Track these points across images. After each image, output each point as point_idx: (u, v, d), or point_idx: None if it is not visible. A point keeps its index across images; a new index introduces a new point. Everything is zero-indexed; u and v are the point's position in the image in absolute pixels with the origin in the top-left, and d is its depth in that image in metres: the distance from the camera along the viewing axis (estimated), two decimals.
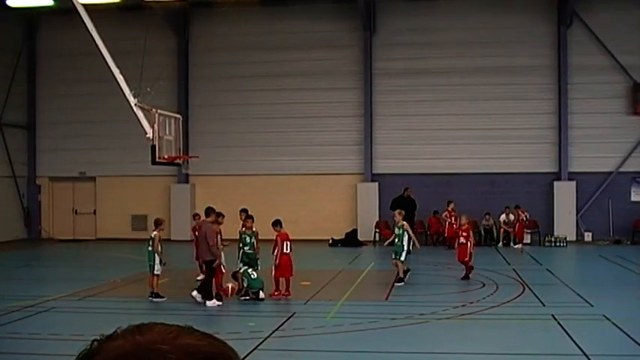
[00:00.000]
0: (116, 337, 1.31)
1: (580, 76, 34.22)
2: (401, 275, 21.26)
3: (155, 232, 19.42)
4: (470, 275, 22.26)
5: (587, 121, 34.13)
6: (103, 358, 1.27)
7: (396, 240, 21.64)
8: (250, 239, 19.65)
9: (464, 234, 22.83)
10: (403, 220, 21.85)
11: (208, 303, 18.39)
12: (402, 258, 21.30)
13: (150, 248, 19.22)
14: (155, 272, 18.98)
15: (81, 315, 17.38)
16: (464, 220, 23.35)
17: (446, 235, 32.28)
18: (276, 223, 19.65)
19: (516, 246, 32.55)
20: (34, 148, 38.61)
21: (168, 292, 19.15)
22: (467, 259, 22.48)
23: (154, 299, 18.76)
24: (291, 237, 19.67)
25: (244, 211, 21.06)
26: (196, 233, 19.82)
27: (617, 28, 34.05)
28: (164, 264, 19.13)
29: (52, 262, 30.82)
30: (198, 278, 20.07)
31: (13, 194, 37.40)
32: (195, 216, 20.51)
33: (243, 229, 19.99)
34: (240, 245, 19.80)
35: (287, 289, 19.30)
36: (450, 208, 32.40)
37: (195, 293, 18.60)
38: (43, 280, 24.68)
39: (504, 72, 34.58)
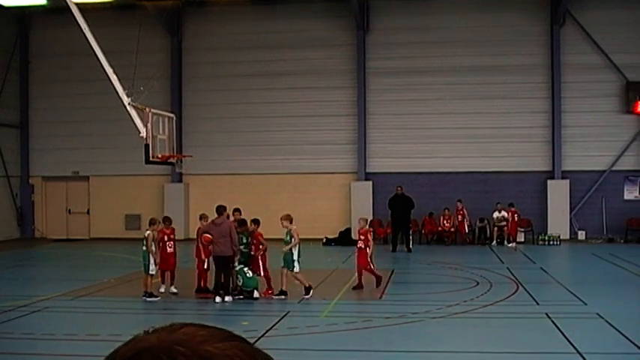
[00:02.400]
0: (153, 332, 1.32)
1: (573, 75, 34.27)
2: (306, 285, 18.91)
3: (148, 232, 19.38)
4: (380, 283, 20.41)
5: (580, 119, 34.18)
6: (127, 348, 1.28)
7: (244, 248, 19.63)
8: (247, 239, 19.59)
9: (362, 237, 20.47)
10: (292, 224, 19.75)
11: (227, 298, 18.58)
12: (296, 269, 18.97)
13: (144, 248, 19.20)
14: (150, 272, 18.95)
15: (75, 315, 17.34)
16: (362, 223, 20.85)
17: (463, 231, 33.61)
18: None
19: (510, 244, 32.61)
20: (27, 148, 38.52)
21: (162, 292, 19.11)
22: (368, 266, 20.37)
23: (148, 299, 18.73)
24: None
25: (237, 210, 21.00)
26: (205, 234, 19.56)
27: (610, 27, 34.09)
28: (157, 263, 19.08)
29: (45, 262, 30.76)
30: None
31: (6, 194, 37.34)
32: (202, 217, 20.34)
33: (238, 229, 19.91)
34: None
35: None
36: (460, 207, 33.34)
37: (218, 299, 18.64)
38: (36, 279, 24.64)
39: (498, 71, 34.61)
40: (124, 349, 1.29)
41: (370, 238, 20.60)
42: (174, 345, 1.27)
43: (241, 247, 19.44)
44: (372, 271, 20.43)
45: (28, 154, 38.58)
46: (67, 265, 28.49)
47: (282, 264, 19.14)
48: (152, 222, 19.72)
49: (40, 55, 38.21)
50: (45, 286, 21.26)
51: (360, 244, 20.39)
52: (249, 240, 19.59)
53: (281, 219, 19.32)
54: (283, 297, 18.79)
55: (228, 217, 19.87)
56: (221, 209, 19.55)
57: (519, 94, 34.62)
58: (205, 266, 19.58)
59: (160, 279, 19.71)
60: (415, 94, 35.04)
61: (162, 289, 19.52)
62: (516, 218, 33.18)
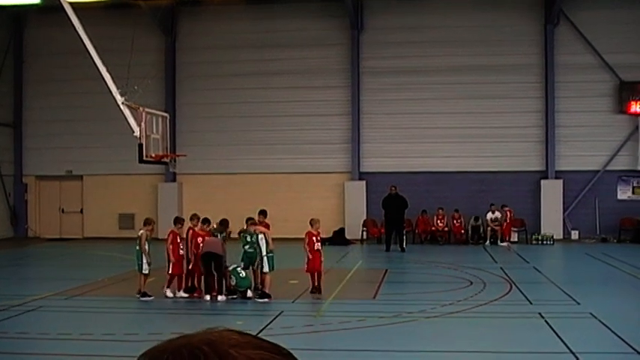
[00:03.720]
0: (197, 332, 1.36)
1: (567, 75, 34.33)
2: (266, 290, 18.66)
3: (142, 231, 19.36)
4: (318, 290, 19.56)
5: (574, 119, 34.24)
6: (164, 345, 1.30)
7: (249, 248, 19.30)
8: (251, 238, 19.37)
9: (317, 239, 19.68)
10: (259, 226, 19.60)
11: (220, 297, 18.72)
12: (266, 269, 18.72)
13: (137, 247, 19.18)
14: (143, 271, 18.93)
15: (69, 314, 17.33)
16: (318, 224, 19.93)
17: (457, 231, 33.88)
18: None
19: (503, 244, 32.66)
20: (20, 147, 38.47)
21: (156, 292, 19.08)
22: (321, 269, 19.73)
23: (142, 298, 18.72)
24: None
25: (262, 213, 20.70)
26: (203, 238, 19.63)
27: (603, 27, 34.16)
28: (149, 263, 19.02)
29: (39, 261, 30.72)
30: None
31: None
32: (193, 218, 20.18)
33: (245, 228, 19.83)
34: (242, 245, 19.61)
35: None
36: (457, 216, 33.73)
37: (221, 297, 18.73)
38: (30, 279, 24.62)
39: (492, 70, 34.66)
40: (162, 345, 1.32)
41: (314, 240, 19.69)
42: (202, 344, 1.29)
43: (246, 246, 19.33)
44: (320, 276, 19.76)
45: (22, 153, 38.51)
46: (60, 265, 28.46)
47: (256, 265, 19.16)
48: (147, 222, 19.70)
49: (34, 54, 38.16)
50: (39, 286, 21.24)
51: (317, 246, 19.52)
52: (255, 240, 19.29)
53: (250, 224, 19.39)
54: (266, 300, 18.65)
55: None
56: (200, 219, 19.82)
57: (513, 94, 34.67)
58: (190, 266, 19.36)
59: (171, 283, 19.42)
60: (409, 94, 35.07)
61: (170, 293, 19.15)
62: (509, 219, 33.20)
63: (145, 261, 18.90)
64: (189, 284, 19.56)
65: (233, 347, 1.31)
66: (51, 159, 37.70)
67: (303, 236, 19.80)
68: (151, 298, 18.79)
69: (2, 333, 14.57)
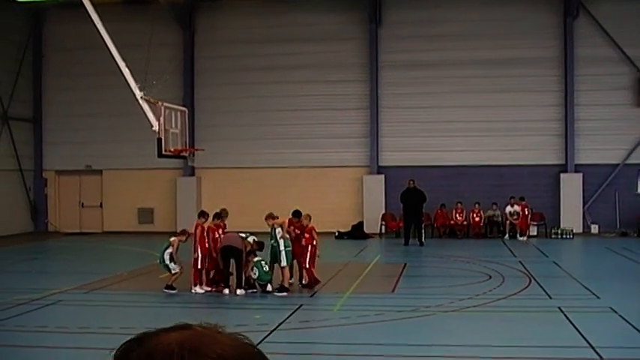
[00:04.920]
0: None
1: (586, 68, 34.14)
2: (285, 284, 18.88)
3: (174, 239, 19.32)
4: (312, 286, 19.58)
5: (593, 113, 34.05)
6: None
7: (274, 242, 19.25)
8: (273, 232, 19.37)
9: (307, 235, 19.57)
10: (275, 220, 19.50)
11: (239, 291, 18.77)
12: (284, 263, 18.96)
13: (164, 251, 19.08)
14: (173, 272, 18.93)
15: (88, 308, 17.41)
16: (308, 219, 19.84)
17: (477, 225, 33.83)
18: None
19: (521, 238, 32.54)
20: (40, 142, 38.65)
21: (175, 285, 19.13)
22: (314, 265, 19.66)
23: (165, 290, 18.77)
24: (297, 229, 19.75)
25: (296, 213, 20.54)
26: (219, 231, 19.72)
27: (623, 20, 33.94)
28: (181, 269, 18.96)
29: (58, 255, 30.88)
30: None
31: (19, 187, 37.46)
32: (219, 216, 20.15)
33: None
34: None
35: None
36: (477, 210, 33.78)
37: (240, 291, 18.79)
38: (49, 273, 24.73)
39: (510, 64, 34.50)
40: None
41: (316, 236, 19.77)
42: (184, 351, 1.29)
43: (271, 241, 19.32)
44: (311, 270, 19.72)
45: (42, 148, 38.70)
46: (80, 259, 28.57)
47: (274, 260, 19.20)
48: (183, 232, 19.65)
49: (54, 49, 38.30)
50: (58, 280, 21.32)
51: (310, 241, 19.44)
52: (274, 234, 19.30)
53: (265, 219, 19.45)
54: (285, 293, 18.73)
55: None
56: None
57: (532, 87, 34.51)
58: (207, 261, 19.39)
59: (202, 278, 19.45)
60: (427, 88, 34.98)
61: (199, 289, 19.11)
62: (527, 212, 33.09)
63: (168, 262, 18.91)
64: (212, 278, 19.61)
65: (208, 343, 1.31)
66: (70, 153, 37.84)
67: (318, 230, 19.95)
68: (175, 291, 18.82)
69: (22, 326, 14.66)
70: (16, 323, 15.02)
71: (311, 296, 18.56)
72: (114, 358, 1.33)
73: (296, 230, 19.66)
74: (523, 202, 33.04)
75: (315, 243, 19.53)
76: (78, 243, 33.59)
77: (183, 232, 19.65)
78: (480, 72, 34.63)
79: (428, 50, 35.04)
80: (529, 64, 34.49)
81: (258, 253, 19.17)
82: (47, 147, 38.67)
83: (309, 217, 19.89)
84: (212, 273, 19.64)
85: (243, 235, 19.59)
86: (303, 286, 19.50)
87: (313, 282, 19.48)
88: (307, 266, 19.43)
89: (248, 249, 19.09)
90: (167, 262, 18.97)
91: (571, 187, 34.06)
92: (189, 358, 1.25)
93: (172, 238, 19.45)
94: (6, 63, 36.27)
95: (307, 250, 19.43)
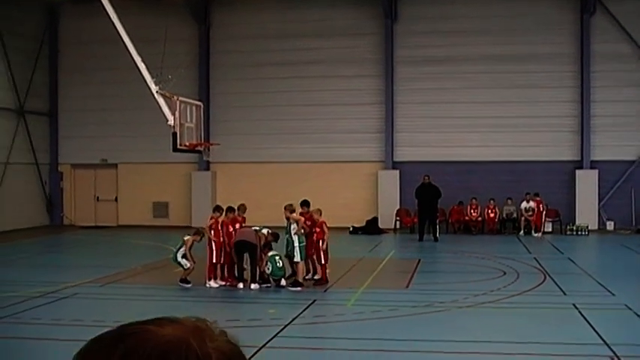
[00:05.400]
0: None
1: (603, 64, 33.97)
2: (299, 279, 18.98)
3: (189, 237, 19.37)
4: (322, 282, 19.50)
5: (609, 109, 33.88)
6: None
7: (288, 237, 19.38)
8: (288, 226, 19.41)
9: (317, 229, 19.55)
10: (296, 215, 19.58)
11: (253, 285, 18.84)
12: (297, 258, 19.02)
13: (178, 250, 19.14)
14: (185, 268, 18.98)
15: (103, 301, 17.48)
16: (319, 213, 19.82)
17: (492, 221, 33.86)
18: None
19: (536, 234, 32.45)
20: (56, 136, 38.79)
21: (189, 279, 19.17)
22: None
23: (180, 283, 18.83)
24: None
25: (305, 203, 20.38)
26: (236, 225, 19.79)
27: None
28: (192, 265, 19.02)
29: (73, 249, 31.01)
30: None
31: (35, 181, 37.62)
32: (232, 210, 20.13)
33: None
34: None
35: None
36: (492, 205, 33.80)
37: (255, 285, 18.85)
38: (65, 266, 24.81)
39: (527, 60, 34.39)
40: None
41: (326, 230, 19.65)
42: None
43: (287, 235, 19.35)
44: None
45: (57, 142, 38.83)
46: (95, 252, 28.68)
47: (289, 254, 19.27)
48: (197, 232, 19.69)
49: (70, 43, 38.42)
50: (73, 273, 21.40)
51: (321, 235, 19.42)
52: (289, 228, 19.36)
53: (284, 208, 19.47)
54: (299, 288, 18.77)
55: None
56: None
57: (548, 84, 34.39)
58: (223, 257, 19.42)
59: (217, 272, 19.52)
60: (443, 83, 34.91)
61: (214, 284, 19.13)
62: (542, 208, 32.99)
63: (180, 258, 18.97)
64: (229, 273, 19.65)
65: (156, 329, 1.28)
66: (86, 147, 37.97)
67: (329, 225, 19.92)
68: (189, 285, 18.87)
69: (37, 319, 14.74)
70: (32, 316, 15.11)
71: (325, 291, 18.57)
72: (81, 356, 1.29)
73: (307, 223, 19.62)
74: (538, 199, 32.94)
75: (325, 238, 19.48)
76: (93, 236, 33.72)
77: (198, 232, 19.64)
78: (496, 67, 34.53)
79: (443, 46, 34.97)
80: (545, 60, 34.37)
81: (273, 247, 19.22)
82: (63, 141, 38.81)
83: (319, 211, 19.84)
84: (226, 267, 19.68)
85: (257, 227, 19.63)
86: (315, 282, 19.49)
87: (324, 280, 19.45)
88: (323, 262, 19.44)
89: (263, 242, 19.12)
90: (180, 259, 19.02)
91: (587, 183, 33.92)
92: (188, 354, 1.23)
93: (187, 237, 19.47)
94: (22, 58, 36.41)
95: (319, 246, 19.40)
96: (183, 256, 19.03)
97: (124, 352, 1.23)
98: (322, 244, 19.34)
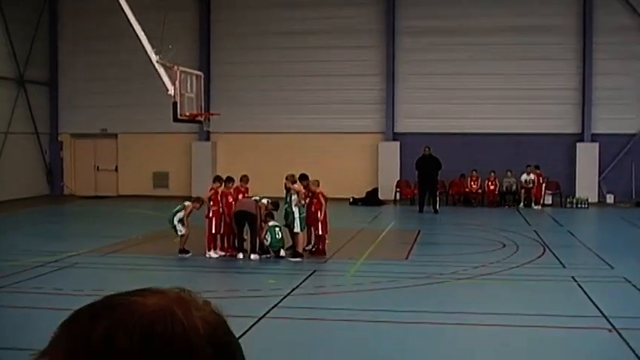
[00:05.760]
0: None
1: (605, 37, 33.83)
2: (298, 249, 19.04)
3: (188, 203, 19.40)
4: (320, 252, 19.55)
5: (610, 82, 33.79)
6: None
7: (287, 207, 19.37)
8: (289, 197, 19.41)
9: (315, 200, 19.44)
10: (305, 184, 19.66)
11: (253, 256, 18.92)
12: (297, 229, 19.04)
13: (175, 213, 19.17)
14: (179, 233, 19.03)
15: (103, 271, 17.52)
16: (317, 184, 19.68)
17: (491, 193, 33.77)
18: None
19: (536, 207, 32.47)
20: (55, 105, 38.70)
21: (189, 249, 19.20)
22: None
23: (180, 255, 18.88)
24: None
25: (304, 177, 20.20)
26: (239, 196, 19.81)
27: None
28: (187, 232, 19.05)
29: (74, 219, 31.05)
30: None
31: (35, 151, 37.60)
32: (231, 180, 20.09)
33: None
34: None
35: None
36: (492, 178, 33.68)
37: (254, 256, 18.90)
38: (65, 236, 24.87)
39: (529, 31, 34.23)
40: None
41: (323, 200, 19.50)
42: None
43: (285, 205, 19.37)
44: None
45: (57, 112, 38.76)
46: (95, 222, 28.71)
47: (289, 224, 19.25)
48: (197, 199, 19.72)
49: (69, 12, 38.24)
50: (74, 243, 21.42)
51: (319, 206, 19.32)
52: (290, 198, 19.36)
53: (285, 178, 19.54)
54: (299, 259, 18.81)
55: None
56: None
57: (550, 56, 34.26)
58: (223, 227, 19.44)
59: (216, 242, 19.55)
60: (445, 55, 34.77)
61: (214, 254, 19.14)
62: (542, 180, 32.99)
63: (177, 223, 19.00)
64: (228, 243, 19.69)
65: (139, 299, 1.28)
66: (86, 117, 37.89)
67: (327, 196, 19.86)
68: (189, 254, 18.92)
69: (37, 289, 14.79)
70: (33, 285, 15.17)
71: (324, 262, 18.61)
72: (65, 327, 1.28)
73: (307, 194, 19.63)
74: (538, 171, 32.94)
75: (323, 208, 19.41)
76: (93, 206, 33.76)
77: (198, 200, 19.71)
78: (498, 39, 34.39)
79: (445, 17, 34.82)
80: (548, 32, 34.21)
81: (274, 216, 19.24)
82: (63, 110, 38.74)
83: (317, 182, 19.81)
84: (231, 238, 19.69)
85: (257, 197, 19.65)
86: (311, 252, 19.52)
87: (322, 251, 19.48)
88: (320, 233, 19.45)
89: (263, 211, 19.14)
90: (175, 223, 19.06)
91: (587, 156, 33.90)
92: (174, 323, 1.23)
93: (187, 203, 19.51)
94: (22, 26, 36.23)
95: (317, 217, 19.36)
96: (180, 221, 19.06)
97: (110, 324, 1.22)
98: (320, 214, 19.32)
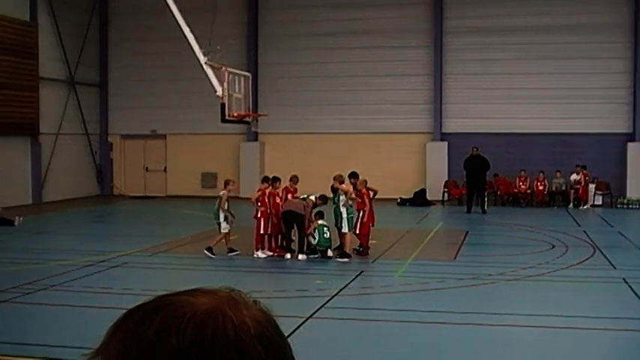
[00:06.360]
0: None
1: None
2: (347, 250, 19.02)
3: (223, 191, 19.57)
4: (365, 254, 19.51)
5: None
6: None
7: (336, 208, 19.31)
8: (337, 197, 19.42)
9: (359, 200, 19.52)
10: (363, 184, 19.72)
11: (300, 256, 18.96)
12: (345, 229, 19.05)
13: (216, 207, 19.38)
14: (222, 230, 19.16)
15: (152, 270, 17.69)
16: (364, 183, 19.79)
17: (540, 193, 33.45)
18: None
19: (582, 207, 32.07)
20: (106, 106, 39.13)
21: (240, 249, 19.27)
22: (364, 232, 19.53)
23: (229, 254, 19.03)
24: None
25: (353, 175, 20.16)
26: (289, 196, 19.89)
27: None
28: (231, 222, 19.20)
29: (123, 219, 31.36)
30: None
31: (86, 151, 38.03)
32: (278, 180, 20.14)
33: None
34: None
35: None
36: (541, 178, 33.38)
37: (302, 256, 18.96)
38: (115, 235, 25.12)
39: (578, 30, 33.87)
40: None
41: (367, 201, 19.49)
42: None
43: (334, 206, 19.37)
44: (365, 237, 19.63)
45: (107, 113, 39.19)
46: (144, 222, 28.99)
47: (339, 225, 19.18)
48: (226, 183, 19.87)
49: (119, 14, 38.64)
50: (123, 242, 21.65)
51: (361, 206, 19.39)
52: (337, 199, 19.35)
53: (333, 178, 19.54)
54: (346, 259, 18.80)
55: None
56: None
57: (600, 54, 33.85)
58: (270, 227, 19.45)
59: (264, 243, 19.61)
60: (492, 54, 34.54)
61: (261, 254, 19.22)
62: (587, 181, 32.48)
63: (222, 220, 19.12)
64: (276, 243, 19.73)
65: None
66: (135, 118, 38.27)
67: (380, 197, 19.82)
68: (237, 252, 19.02)
69: (88, 288, 14.96)
70: (83, 284, 15.35)
71: (372, 262, 18.59)
72: (117, 327, 1.30)
73: (356, 192, 19.59)
74: (585, 171, 32.56)
75: (366, 209, 19.37)
76: (142, 206, 34.06)
77: (227, 182, 19.81)
78: (547, 38, 34.07)
79: (494, 16, 34.57)
80: (597, 30, 33.81)
81: (323, 215, 19.24)
82: (112, 111, 39.16)
83: (365, 181, 19.80)
84: (279, 238, 19.74)
85: (304, 196, 19.69)
86: (357, 252, 19.50)
87: (365, 249, 19.46)
88: (357, 232, 19.37)
89: (311, 208, 19.17)
90: (221, 219, 19.13)
91: (638, 156, 33.40)
92: (225, 323, 1.25)
93: (222, 192, 19.62)
94: (73, 28, 36.69)
95: (358, 216, 19.32)
96: (225, 219, 19.12)
97: (161, 324, 1.24)
98: (362, 214, 19.26)
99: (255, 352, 1.24)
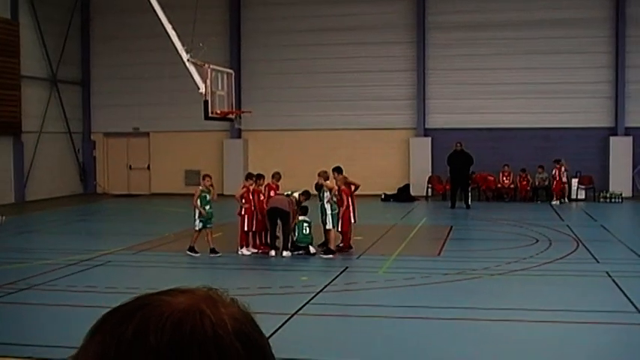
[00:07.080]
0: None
1: (637, 29, 33.50)
2: (331, 246, 18.93)
3: (198, 187, 19.48)
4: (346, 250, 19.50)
5: None
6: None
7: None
8: (321, 193, 19.39)
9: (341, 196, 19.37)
10: (341, 180, 19.58)
11: (285, 253, 18.89)
12: (329, 226, 18.93)
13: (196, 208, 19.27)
14: (195, 227, 18.99)
15: (136, 269, 17.64)
16: (341, 182, 19.58)
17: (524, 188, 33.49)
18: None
19: (555, 202, 32.07)
20: (88, 104, 38.99)
21: (221, 247, 19.23)
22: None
23: (188, 252, 18.77)
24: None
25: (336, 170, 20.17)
26: (271, 193, 19.87)
27: None
28: (202, 221, 18.96)
29: (107, 217, 31.25)
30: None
31: (68, 150, 37.89)
32: (261, 177, 20.08)
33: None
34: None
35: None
36: (524, 175, 33.45)
37: (287, 253, 18.90)
38: (98, 234, 25.06)
39: (560, 25, 33.97)
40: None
41: (345, 198, 19.40)
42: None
43: (320, 202, 19.36)
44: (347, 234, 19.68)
45: (90, 111, 39.05)
46: (128, 220, 28.92)
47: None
48: (203, 178, 19.79)
49: (101, 11, 38.49)
50: (107, 241, 21.59)
51: (340, 203, 19.21)
52: (322, 195, 19.33)
53: (318, 174, 19.44)
54: (331, 256, 18.77)
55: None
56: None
57: (582, 49, 33.97)
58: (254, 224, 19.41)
59: (249, 240, 19.52)
60: (476, 49, 34.61)
61: (246, 251, 19.16)
62: (558, 175, 32.46)
63: (196, 216, 18.99)
64: (260, 240, 19.69)
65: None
66: (118, 116, 38.16)
67: (364, 193, 19.81)
68: (198, 254, 18.75)
69: (71, 286, 14.90)
70: (67, 283, 15.29)
71: (357, 258, 18.61)
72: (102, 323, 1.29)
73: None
74: (558, 165, 32.38)
75: (343, 205, 19.28)
76: (126, 204, 33.98)
77: (203, 177, 19.71)
78: (529, 33, 34.16)
79: (476, 11, 34.65)
80: (579, 25, 33.94)
81: (307, 211, 19.23)
82: (95, 110, 39.02)
83: (344, 178, 19.73)
84: (263, 235, 19.71)
85: (288, 192, 19.67)
86: (338, 249, 19.45)
87: (345, 247, 19.46)
88: (339, 229, 19.33)
89: (295, 205, 19.16)
90: (196, 216, 19.05)
91: (621, 150, 33.58)
92: (203, 321, 1.25)
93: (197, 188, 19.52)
94: (54, 26, 36.52)
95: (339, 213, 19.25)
96: (200, 215, 18.98)
97: (138, 324, 1.24)
98: (342, 211, 19.16)
99: (234, 348, 1.24)
